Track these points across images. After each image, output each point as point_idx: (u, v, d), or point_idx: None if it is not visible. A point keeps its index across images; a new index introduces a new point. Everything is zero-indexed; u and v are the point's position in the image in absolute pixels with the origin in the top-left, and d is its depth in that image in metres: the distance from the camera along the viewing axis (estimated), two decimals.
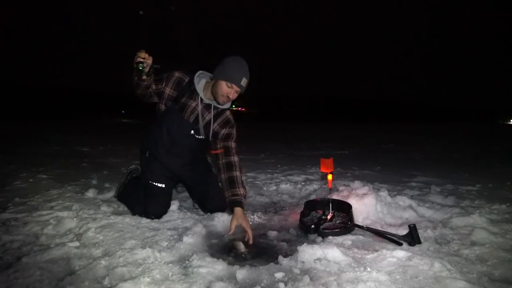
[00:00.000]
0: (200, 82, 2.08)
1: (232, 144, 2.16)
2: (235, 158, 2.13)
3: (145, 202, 2.14)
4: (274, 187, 3.07)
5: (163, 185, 2.18)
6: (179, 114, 2.09)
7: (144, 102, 2.14)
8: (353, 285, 1.26)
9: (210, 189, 2.24)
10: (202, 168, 2.32)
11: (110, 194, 2.63)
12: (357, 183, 2.49)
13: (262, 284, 1.32)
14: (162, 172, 2.20)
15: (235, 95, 2.01)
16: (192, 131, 2.11)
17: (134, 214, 2.14)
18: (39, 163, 4.11)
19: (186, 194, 2.66)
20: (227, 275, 1.38)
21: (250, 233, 1.81)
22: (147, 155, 2.24)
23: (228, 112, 2.18)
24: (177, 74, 2.10)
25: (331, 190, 2.23)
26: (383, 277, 1.31)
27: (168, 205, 2.22)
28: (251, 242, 1.78)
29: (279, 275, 1.36)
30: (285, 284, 1.29)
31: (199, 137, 2.14)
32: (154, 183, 2.17)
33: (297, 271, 1.40)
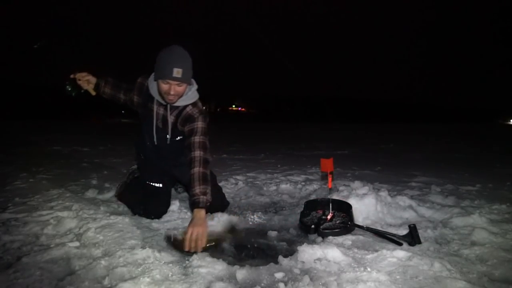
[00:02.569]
0: (153, 84, 1.97)
1: (195, 139, 1.92)
2: (196, 153, 1.88)
3: (144, 202, 2.14)
4: (274, 187, 3.07)
5: (160, 185, 2.18)
6: (150, 120, 2.04)
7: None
8: (353, 285, 1.26)
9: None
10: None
11: (110, 194, 2.63)
12: (357, 183, 2.49)
13: (262, 284, 1.32)
14: (158, 172, 2.20)
15: (179, 88, 1.84)
16: (168, 136, 2.04)
17: (134, 214, 2.14)
18: (39, 163, 4.11)
19: (186, 194, 2.66)
20: (227, 275, 1.38)
21: (200, 243, 1.57)
22: (142, 156, 2.26)
23: (189, 108, 1.99)
24: (139, 80, 2.07)
25: (331, 190, 2.23)
26: (383, 277, 1.31)
27: (167, 205, 2.22)
28: (196, 249, 1.57)
29: (279, 275, 1.36)
30: (285, 284, 1.29)
31: (177, 138, 2.07)
32: (151, 183, 2.17)
33: (297, 271, 1.40)
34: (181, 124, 2.01)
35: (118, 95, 2.11)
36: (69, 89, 1.95)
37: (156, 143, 2.09)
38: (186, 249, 1.57)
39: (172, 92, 1.83)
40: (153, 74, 1.94)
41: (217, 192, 2.19)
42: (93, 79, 2.04)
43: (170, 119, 2.01)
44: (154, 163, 2.20)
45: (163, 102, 1.97)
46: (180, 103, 1.94)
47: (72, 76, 1.94)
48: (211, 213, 2.13)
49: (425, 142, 9.81)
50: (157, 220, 2.06)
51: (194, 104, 2.00)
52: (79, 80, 1.94)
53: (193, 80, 1.98)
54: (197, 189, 1.76)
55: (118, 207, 2.32)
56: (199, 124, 1.96)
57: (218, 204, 2.17)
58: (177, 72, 1.76)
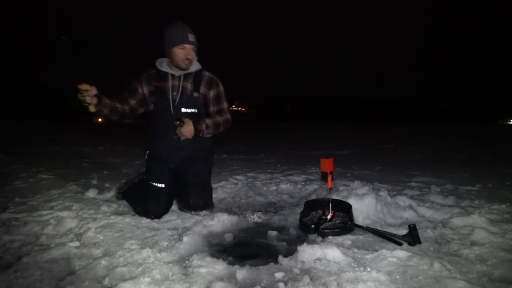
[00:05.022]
0: (163, 63, 2.22)
1: (225, 105, 2.27)
2: (227, 115, 2.26)
3: (145, 202, 2.14)
4: (274, 187, 3.07)
5: (163, 185, 2.18)
6: (165, 97, 2.18)
7: (133, 117, 2.33)
8: (353, 285, 1.26)
9: (191, 190, 2.20)
10: (198, 165, 2.27)
11: (110, 194, 2.63)
12: (357, 183, 2.48)
13: (262, 284, 1.32)
14: (160, 170, 2.22)
15: (192, 53, 2.14)
16: (183, 109, 2.18)
17: (135, 212, 2.16)
18: (39, 163, 4.11)
19: None
20: (227, 275, 1.38)
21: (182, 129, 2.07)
22: (146, 157, 2.31)
23: (205, 72, 2.26)
24: (142, 75, 2.26)
25: (331, 190, 2.23)
26: (383, 277, 1.31)
27: (168, 205, 2.23)
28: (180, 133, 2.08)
29: (279, 275, 1.36)
30: (285, 284, 1.29)
31: (190, 111, 2.19)
32: (154, 184, 2.18)
33: (297, 271, 1.40)
34: (206, 87, 2.23)
35: (124, 99, 2.21)
36: (81, 98, 1.90)
37: (167, 121, 2.16)
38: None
39: (189, 57, 2.12)
40: (158, 60, 2.22)
41: (198, 192, 2.19)
42: (95, 93, 2.01)
43: (187, 85, 2.19)
44: (163, 157, 2.22)
45: (176, 73, 2.18)
46: (192, 68, 2.21)
47: (79, 86, 1.90)
48: (193, 210, 2.16)
49: (425, 142, 9.81)
50: (157, 220, 2.06)
51: (205, 70, 2.28)
52: (86, 90, 1.90)
53: None
54: (208, 120, 2.17)
55: (118, 207, 2.32)
56: (221, 89, 2.28)
57: (200, 202, 2.18)
58: (191, 37, 2.10)
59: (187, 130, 2.09)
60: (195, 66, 2.22)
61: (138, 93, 2.23)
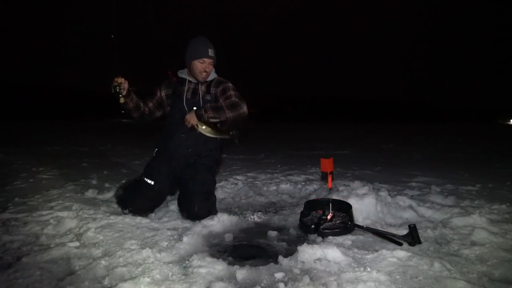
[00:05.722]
0: (183, 71, 2.42)
1: (232, 92, 2.31)
2: (233, 98, 2.27)
3: (131, 193, 2.21)
4: (274, 187, 3.07)
5: (152, 182, 2.21)
6: (180, 98, 2.34)
7: (151, 120, 2.47)
8: (353, 285, 1.26)
9: (195, 198, 2.13)
10: (203, 174, 2.27)
11: (110, 194, 2.63)
12: (357, 183, 2.48)
13: (262, 284, 1.32)
14: (157, 169, 2.27)
15: (210, 67, 2.32)
16: (194, 108, 2.30)
17: (114, 196, 2.33)
18: (39, 163, 4.11)
19: None
20: (227, 275, 1.38)
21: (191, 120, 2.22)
22: (154, 154, 2.41)
23: (217, 78, 2.42)
24: (164, 82, 2.45)
25: (331, 190, 2.23)
26: (383, 277, 1.31)
27: (151, 203, 2.23)
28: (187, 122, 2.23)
29: (279, 275, 1.36)
30: (285, 284, 1.29)
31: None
32: (145, 179, 2.23)
33: (297, 271, 1.40)
34: (215, 86, 2.37)
35: (145, 101, 2.38)
36: (117, 89, 2.10)
37: (179, 119, 2.29)
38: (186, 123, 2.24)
39: (207, 70, 2.29)
40: (180, 70, 2.41)
41: (200, 201, 2.14)
42: (127, 87, 2.19)
43: (201, 88, 2.35)
44: (168, 155, 2.30)
45: (193, 81, 2.36)
46: (208, 79, 2.38)
47: (116, 78, 2.09)
48: (198, 219, 2.06)
49: (425, 142, 9.81)
50: (157, 220, 2.06)
51: (218, 77, 2.45)
52: (120, 83, 2.11)
53: None
54: (208, 105, 2.25)
55: (118, 207, 2.31)
56: (230, 85, 2.38)
57: (203, 212, 2.10)
58: (211, 52, 2.27)
59: (190, 116, 2.24)
60: (211, 77, 2.39)
61: (156, 96, 2.43)
